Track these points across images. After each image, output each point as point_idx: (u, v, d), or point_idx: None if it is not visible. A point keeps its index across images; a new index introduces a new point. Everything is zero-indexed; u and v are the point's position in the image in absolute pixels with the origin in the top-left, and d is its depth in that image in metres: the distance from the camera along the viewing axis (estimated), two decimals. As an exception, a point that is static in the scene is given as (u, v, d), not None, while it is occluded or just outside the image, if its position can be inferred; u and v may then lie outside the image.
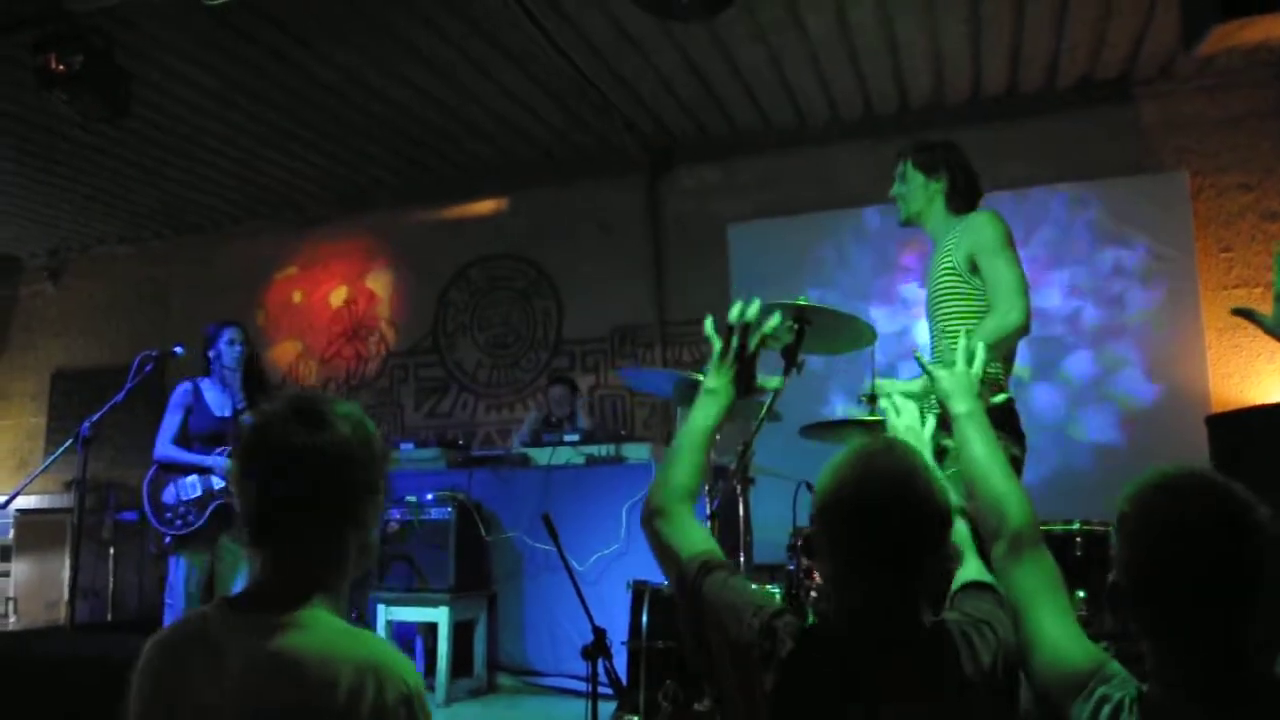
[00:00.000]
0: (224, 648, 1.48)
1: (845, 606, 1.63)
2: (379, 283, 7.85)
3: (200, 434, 4.88)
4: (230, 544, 4.77)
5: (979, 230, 3.54)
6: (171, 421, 4.89)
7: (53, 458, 4.67)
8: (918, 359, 2.39)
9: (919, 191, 3.76)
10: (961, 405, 1.97)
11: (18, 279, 9.06)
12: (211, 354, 4.93)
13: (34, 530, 7.46)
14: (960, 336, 2.35)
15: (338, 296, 7.95)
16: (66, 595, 4.75)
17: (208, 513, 4.73)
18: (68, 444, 4.55)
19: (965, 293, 3.53)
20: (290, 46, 5.42)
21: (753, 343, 2.10)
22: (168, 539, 4.79)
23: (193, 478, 4.81)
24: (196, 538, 4.75)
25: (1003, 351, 3.37)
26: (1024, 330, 3.33)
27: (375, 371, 7.77)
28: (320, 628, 1.49)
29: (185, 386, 4.94)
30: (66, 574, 4.79)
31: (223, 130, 6.46)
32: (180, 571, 4.76)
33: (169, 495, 4.79)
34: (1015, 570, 1.72)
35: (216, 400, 4.93)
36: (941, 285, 3.59)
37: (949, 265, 3.58)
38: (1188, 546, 1.41)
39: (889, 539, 1.53)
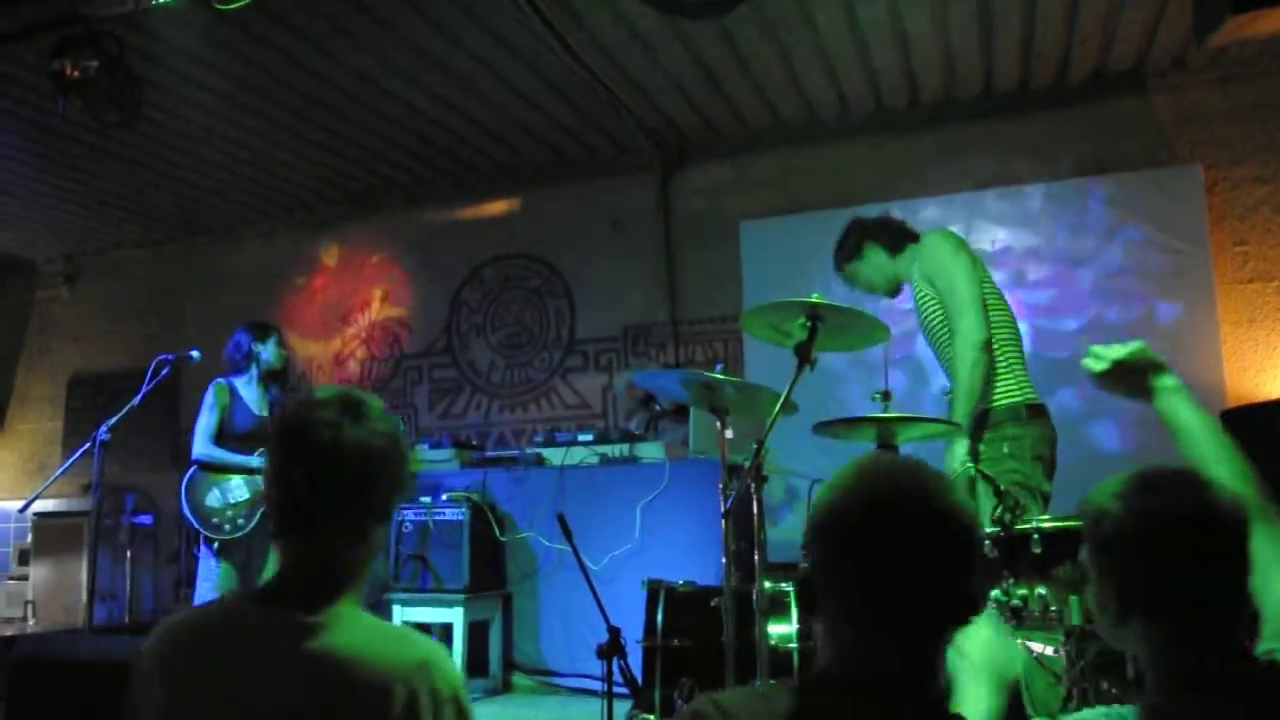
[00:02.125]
0: (255, 642, 1.45)
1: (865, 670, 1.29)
2: (392, 284, 7.87)
3: (240, 434, 4.87)
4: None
5: (925, 255, 3.81)
6: (209, 421, 4.87)
7: (70, 461, 4.69)
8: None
9: (863, 274, 4.07)
10: (1169, 379, 2.13)
11: (33, 284, 9.11)
12: (256, 353, 4.94)
13: (52, 534, 7.51)
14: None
15: (351, 298, 7.97)
16: (85, 598, 4.76)
17: (258, 514, 4.74)
18: (85, 448, 4.57)
19: (938, 313, 3.75)
20: (302, 49, 5.43)
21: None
22: (216, 544, 4.76)
23: (238, 479, 4.80)
24: (243, 541, 4.76)
25: (981, 376, 3.54)
26: (983, 345, 3.54)
27: (389, 373, 7.79)
28: (358, 626, 1.47)
29: (220, 385, 4.93)
30: (84, 577, 4.81)
31: (235, 133, 6.48)
32: (216, 576, 4.75)
33: (214, 499, 4.77)
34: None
35: (253, 400, 4.95)
36: (932, 318, 3.78)
37: (926, 295, 3.80)
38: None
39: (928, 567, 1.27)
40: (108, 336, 8.69)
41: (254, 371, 4.97)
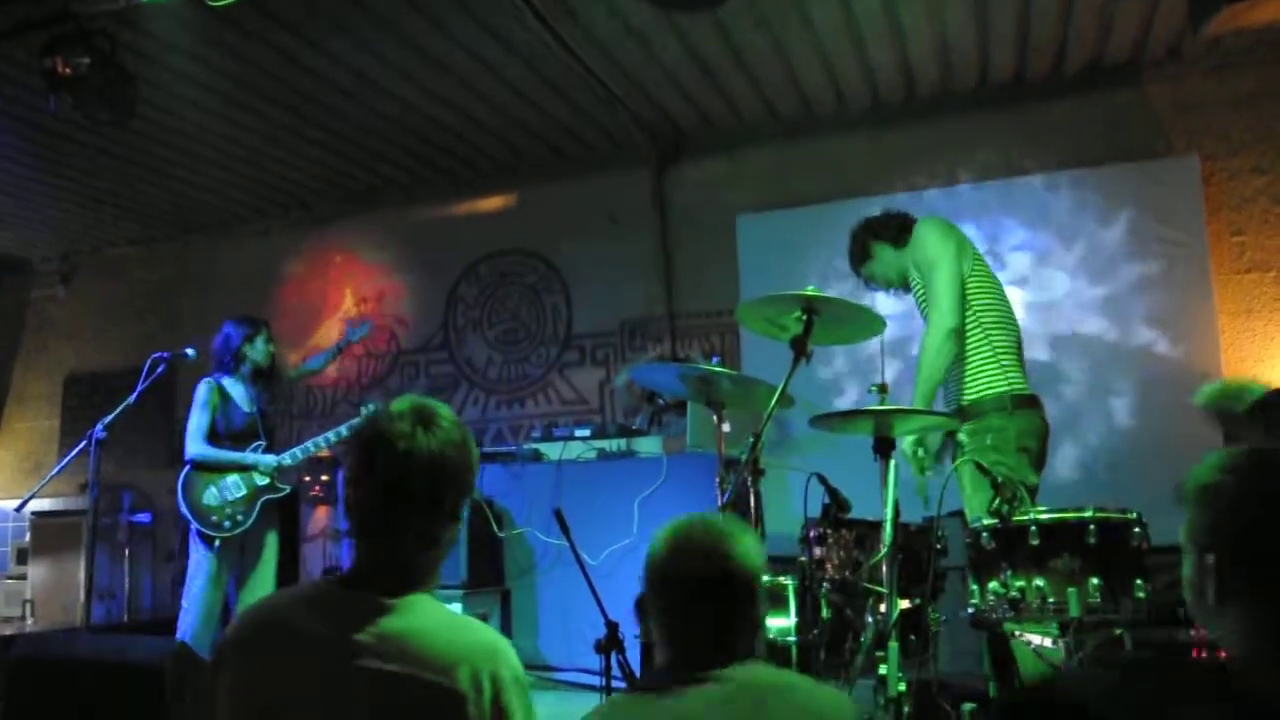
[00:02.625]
0: (337, 617, 1.57)
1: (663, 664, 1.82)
2: (389, 280, 7.86)
3: (233, 432, 4.88)
4: (273, 535, 4.82)
5: (915, 244, 3.86)
6: (202, 420, 4.88)
7: (66, 460, 4.68)
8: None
9: (877, 271, 4.11)
10: None
11: (29, 282, 9.09)
12: (244, 353, 4.94)
13: (50, 533, 7.50)
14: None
15: (348, 295, 7.96)
16: (83, 597, 4.76)
17: (256, 510, 4.75)
18: (81, 446, 4.56)
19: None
20: (297, 45, 5.42)
21: None
22: (216, 542, 4.76)
23: (234, 476, 4.81)
24: (241, 537, 4.77)
25: (944, 364, 3.59)
26: (950, 333, 3.58)
27: (386, 369, 7.78)
28: (432, 611, 1.61)
29: (209, 384, 4.93)
30: (82, 576, 4.81)
31: (230, 130, 6.46)
32: (208, 573, 4.75)
33: (211, 497, 4.77)
34: None
35: (243, 397, 4.95)
36: (924, 305, 3.82)
37: (917, 283, 3.88)
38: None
39: (702, 607, 1.77)
40: (104, 335, 8.67)
41: (244, 369, 4.96)
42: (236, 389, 4.96)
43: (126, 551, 7.40)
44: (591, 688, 4.98)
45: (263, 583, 4.80)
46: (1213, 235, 5.76)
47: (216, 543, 4.76)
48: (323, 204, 7.94)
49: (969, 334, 3.65)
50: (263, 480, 4.78)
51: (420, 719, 1.51)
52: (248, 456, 4.82)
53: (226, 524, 4.75)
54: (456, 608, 5.25)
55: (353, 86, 5.92)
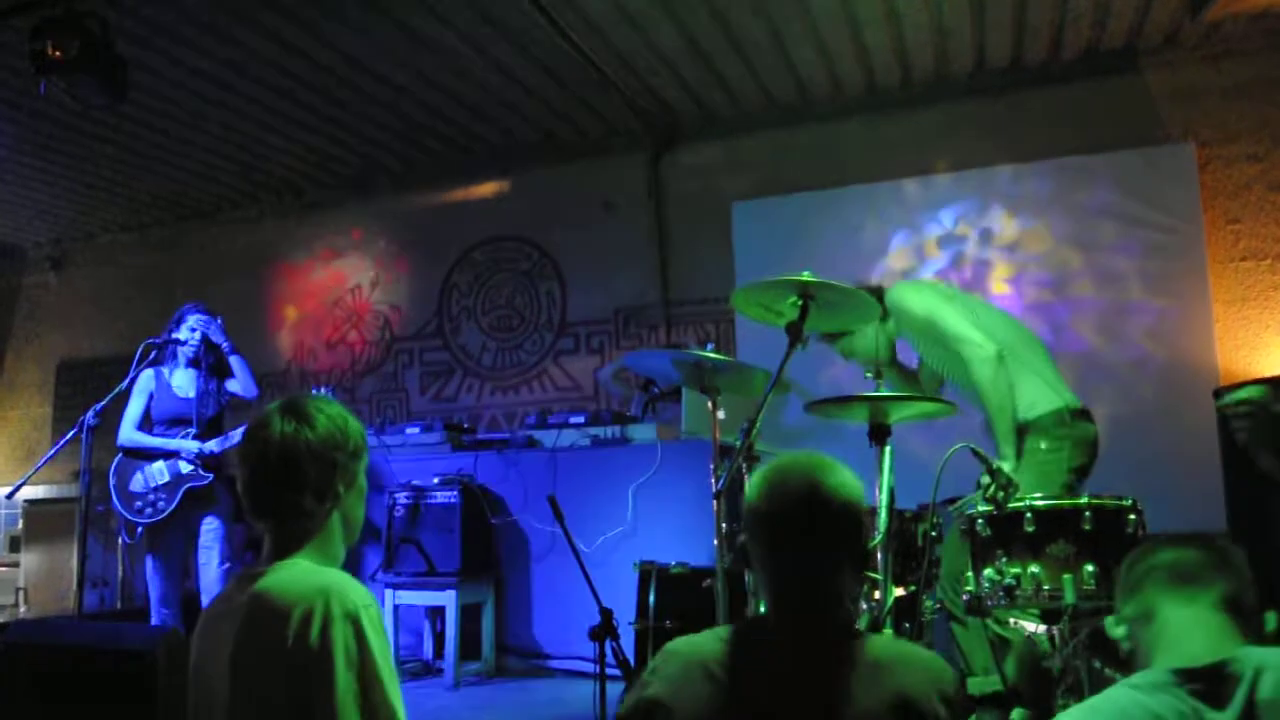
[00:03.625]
0: (235, 602, 1.79)
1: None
2: (382, 267, 7.83)
3: (162, 418, 4.84)
4: (209, 519, 4.75)
5: (899, 317, 3.68)
6: (134, 407, 4.87)
7: (57, 447, 4.67)
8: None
9: (860, 346, 3.82)
10: None
11: (21, 269, 9.06)
12: (174, 336, 4.89)
13: (43, 520, 7.47)
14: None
15: (341, 281, 7.93)
16: (75, 584, 4.74)
17: (179, 496, 4.70)
18: (73, 433, 4.55)
19: (952, 357, 3.57)
20: (291, 29, 5.38)
21: None
22: (140, 530, 4.75)
23: (160, 463, 4.76)
24: (168, 525, 4.71)
25: (1005, 389, 3.40)
26: (997, 357, 3.40)
27: (380, 356, 7.76)
28: (290, 570, 1.80)
29: (147, 371, 4.91)
30: (75, 563, 4.80)
31: (223, 115, 6.43)
32: (154, 565, 4.73)
33: (136, 483, 4.76)
34: None
35: (182, 383, 4.89)
36: (941, 365, 3.68)
37: (924, 349, 3.74)
38: None
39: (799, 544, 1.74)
40: (96, 322, 8.64)
41: (179, 356, 4.91)
42: (178, 376, 4.91)
43: (119, 539, 7.37)
44: (585, 675, 4.99)
45: (205, 568, 4.74)
46: (1208, 223, 5.75)
47: (138, 530, 4.75)
48: (315, 189, 7.91)
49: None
50: (188, 467, 4.73)
51: (268, 662, 1.69)
52: (171, 442, 4.77)
53: (148, 510, 4.71)
54: (451, 595, 5.25)
55: (345, 71, 5.89)
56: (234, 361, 4.98)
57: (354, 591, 1.74)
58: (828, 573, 1.75)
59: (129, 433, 4.82)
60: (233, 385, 5.01)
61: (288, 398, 1.94)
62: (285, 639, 1.67)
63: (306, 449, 1.85)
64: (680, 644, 1.77)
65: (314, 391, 4.94)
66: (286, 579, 1.77)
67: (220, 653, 1.76)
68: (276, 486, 1.85)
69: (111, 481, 4.79)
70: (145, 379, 4.89)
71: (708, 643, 1.73)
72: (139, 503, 4.72)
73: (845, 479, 1.80)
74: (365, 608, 1.72)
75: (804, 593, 1.75)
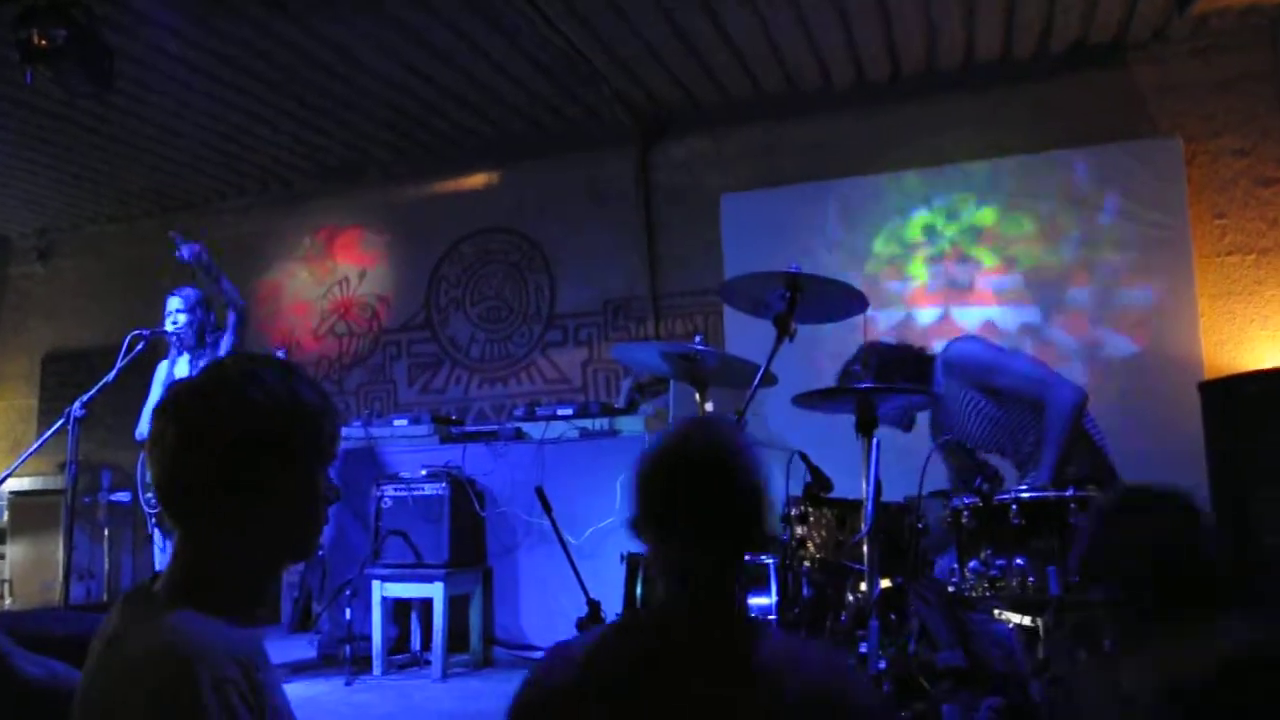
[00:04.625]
0: (101, 635, 1.40)
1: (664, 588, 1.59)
2: (370, 258, 7.81)
3: None
4: None
5: (960, 364, 3.64)
6: (151, 400, 4.91)
7: (44, 438, 4.64)
8: None
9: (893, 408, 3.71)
10: None
11: (7, 259, 9.01)
12: (163, 329, 4.90)
13: (28, 512, 7.45)
14: None
15: (329, 273, 7.91)
16: (61, 576, 4.74)
17: None
18: (59, 424, 4.52)
19: (1010, 410, 3.58)
20: (278, 19, 5.36)
21: None
22: (151, 519, 4.79)
23: None
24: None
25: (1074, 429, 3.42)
26: (1081, 395, 3.44)
27: (368, 348, 7.74)
28: (160, 616, 1.31)
29: (162, 363, 4.95)
30: (61, 555, 4.79)
31: (210, 106, 6.40)
32: (162, 553, 4.76)
33: (148, 474, 4.79)
34: None
35: (181, 371, 4.91)
36: (992, 417, 3.64)
37: (975, 401, 3.65)
38: None
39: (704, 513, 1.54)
40: (83, 312, 8.60)
41: (173, 343, 4.92)
42: (179, 365, 4.92)
43: (106, 531, 7.35)
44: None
45: None
46: (1194, 217, 5.77)
47: (152, 520, 4.81)
48: (303, 181, 7.88)
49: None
50: None
51: None
52: None
53: (153, 501, 4.77)
54: (439, 587, 5.25)
55: (333, 62, 5.87)
56: (225, 282, 5.00)
57: (210, 660, 1.22)
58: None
59: (142, 426, 4.87)
60: (225, 341, 5.01)
61: (218, 360, 1.49)
62: (115, 705, 1.25)
63: (224, 424, 1.35)
64: None
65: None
66: (143, 636, 1.28)
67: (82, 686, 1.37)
68: (174, 476, 1.36)
69: (137, 473, 4.86)
70: (159, 372, 5.01)
71: None
72: (147, 492, 4.78)
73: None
74: (219, 681, 1.21)
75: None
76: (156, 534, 4.82)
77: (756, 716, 1.42)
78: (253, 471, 1.36)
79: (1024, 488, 2.89)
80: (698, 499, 1.54)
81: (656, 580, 1.65)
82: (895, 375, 3.63)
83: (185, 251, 4.82)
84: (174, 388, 1.41)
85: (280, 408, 1.38)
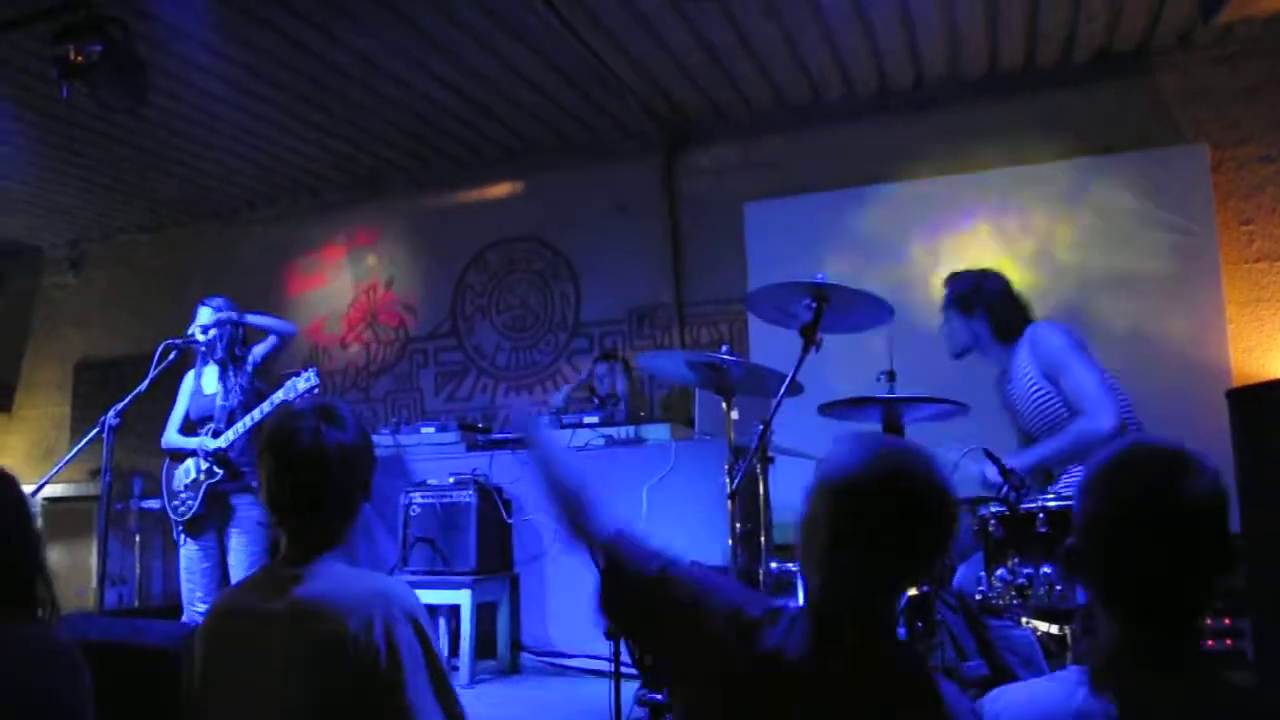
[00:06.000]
0: (265, 603, 1.80)
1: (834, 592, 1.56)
2: (397, 267, 7.88)
3: (195, 418, 4.92)
4: (236, 534, 4.76)
5: (1042, 346, 3.64)
6: (177, 409, 4.98)
7: (79, 446, 4.71)
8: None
9: (961, 331, 3.84)
10: None
11: (39, 269, 9.13)
12: (193, 337, 4.92)
13: (62, 519, 7.54)
14: None
15: (356, 282, 7.98)
16: (95, 583, 4.80)
17: (200, 496, 4.75)
18: (94, 433, 4.59)
19: (1058, 406, 3.57)
20: (305, 32, 5.43)
21: None
22: (178, 527, 4.84)
23: (187, 463, 4.84)
24: (197, 523, 4.78)
25: (1083, 453, 3.35)
26: (1112, 435, 3.33)
27: (395, 356, 7.80)
28: (330, 573, 1.82)
29: (189, 373, 5.00)
30: (95, 562, 4.84)
31: (239, 117, 6.48)
32: (186, 557, 4.80)
33: (175, 482, 4.86)
34: None
35: (211, 382, 4.94)
36: (1043, 407, 3.64)
37: (1037, 387, 3.64)
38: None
39: (908, 531, 1.51)
40: (114, 322, 8.70)
41: (204, 353, 4.95)
42: (205, 374, 4.96)
43: (137, 537, 7.44)
44: (601, 674, 5.02)
45: (235, 570, 4.76)
46: (1221, 224, 5.75)
47: (178, 527, 4.82)
48: (330, 191, 7.96)
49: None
50: (204, 465, 4.77)
51: (329, 669, 1.70)
52: (191, 441, 4.83)
53: (181, 509, 4.81)
54: (466, 594, 5.29)
55: (360, 72, 5.94)
56: (253, 320, 4.99)
57: (408, 595, 1.81)
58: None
59: (167, 434, 4.94)
60: (259, 349, 5.02)
61: (312, 400, 2.01)
62: (345, 644, 1.69)
63: (347, 449, 1.89)
64: None
65: (299, 374, 4.84)
66: (335, 584, 1.79)
67: (248, 654, 1.78)
68: (317, 485, 1.87)
69: (163, 480, 4.92)
70: (186, 381, 5.01)
71: None
72: (174, 501, 4.83)
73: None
74: (419, 609, 1.79)
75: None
76: (182, 539, 4.85)
77: None
78: (364, 484, 1.97)
79: (1050, 496, 2.89)
80: (920, 532, 1.52)
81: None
82: (998, 314, 3.72)
83: (201, 341, 4.88)
84: (314, 414, 1.91)
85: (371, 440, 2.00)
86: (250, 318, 4.99)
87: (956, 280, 3.91)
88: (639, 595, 1.79)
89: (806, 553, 1.57)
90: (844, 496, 1.52)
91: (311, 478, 1.86)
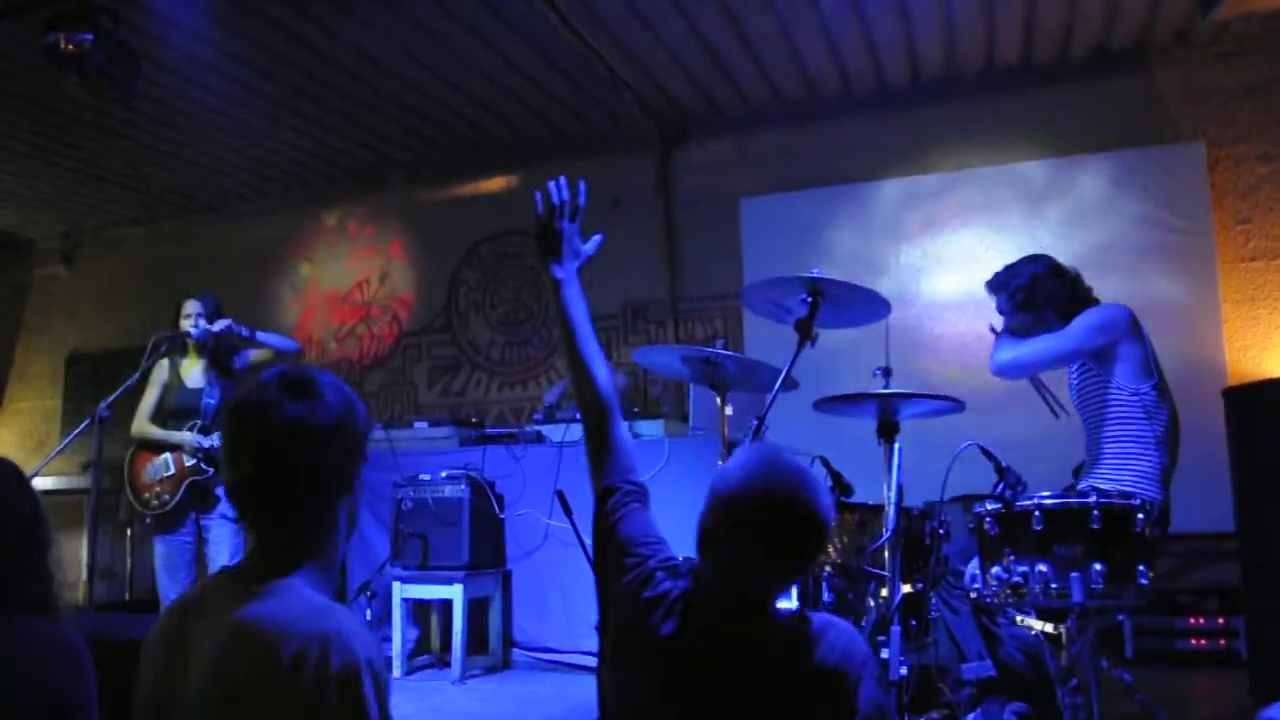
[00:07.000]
0: (214, 614, 1.48)
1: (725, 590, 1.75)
2: (391, 261, 7.85)
3: (173, 410, 4.80)
4: (218, 520, 4.71)
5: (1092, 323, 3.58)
6: (147, 399, 4.82)
7: (69, 439, 4.66)
8: None
9: (1034, 329, 3.73)
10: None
11: (31, 262, 9.09)
12: (182, 328, 4.85)
13: (52, 511, 7.43)
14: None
15: (350, 276, 7.95)
16: (85, 576, 4.76)
17: (181, 491, 4.67)
18: (85, 425, 4.53)
19: (1104, 384, 3.56)
20: (301, 24, 5.40)
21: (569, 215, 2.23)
22: (148, 520, 4.75)
23: (165, 456, 4.71)
24: (173, 517, 4.68)
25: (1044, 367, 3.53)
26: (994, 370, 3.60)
27: (388, 351, 7.78)
28: (288, 598, 1.47)
29: (161, 363, 4.88)
30: (84, 555, 4.80)
31: (233, 110, 6.45)
32: (160, 553, 4.73)
33: (146, 475, 4.72)
34: None
35: (196, 375, 4.87)
36: (1079, 386, 3.67)
37: (1073, 367, 3.67)
38: None
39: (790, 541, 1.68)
40: (106, 314, 8.66)
41: (187, 347, 4.88)
42: (187, 367, 4.89)
43: (128, 531, 7.40)
44: (593, 670, 5.00)
45: (216, 558, 4.68)
46: (1218, 223, 5.74)
47: (146, 520, 4.74)
48: (325, 184, 7.93)
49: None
50: (190, 460, 4.71)
51: (249, 705, 1.40)
52: (174, 435, 4.73)
53: (154, 503, 4.67)
54: (458, 589, 5.26)
55: (355, 66, 5.91)
56: (263, 338, 4.93)
57: (359, 641, 1.41)
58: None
59: (139, 424, 4.80)
60: (260, 355, 4.97)
61: (281, 371, 1.60)
62: (274, 682, 1.37)
63: (320, 430, 1.53)
64: None
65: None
66: (282, 611, 1.44)
67: (188, 664, 1.48)
68: (281, 475, 1.51)
69: (126, 472, 4.78)
70: (158, 370, 4.85)
71: None
72: (146, 494, 4.72)
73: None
74: (369, 660, 1.40)
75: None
76: (157, 534, 4.77)
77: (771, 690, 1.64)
78: (347, 472, 1.62)
79: (1046, 494, 2.87)
80: (787, 544, 1.69)
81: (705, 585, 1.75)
82: (1059, 298, 3.71)
83: (196, 332, 4.80)
84: (281, 389, 1.56)
85: (364, 417, 1.70)
86: (261, 336, 4.94)
87: (1009, 279, 3.81)
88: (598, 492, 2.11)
89: (696, 543, 1.77)
90: (723, 501, 1.73)
91: (263, 465, 1.51)
